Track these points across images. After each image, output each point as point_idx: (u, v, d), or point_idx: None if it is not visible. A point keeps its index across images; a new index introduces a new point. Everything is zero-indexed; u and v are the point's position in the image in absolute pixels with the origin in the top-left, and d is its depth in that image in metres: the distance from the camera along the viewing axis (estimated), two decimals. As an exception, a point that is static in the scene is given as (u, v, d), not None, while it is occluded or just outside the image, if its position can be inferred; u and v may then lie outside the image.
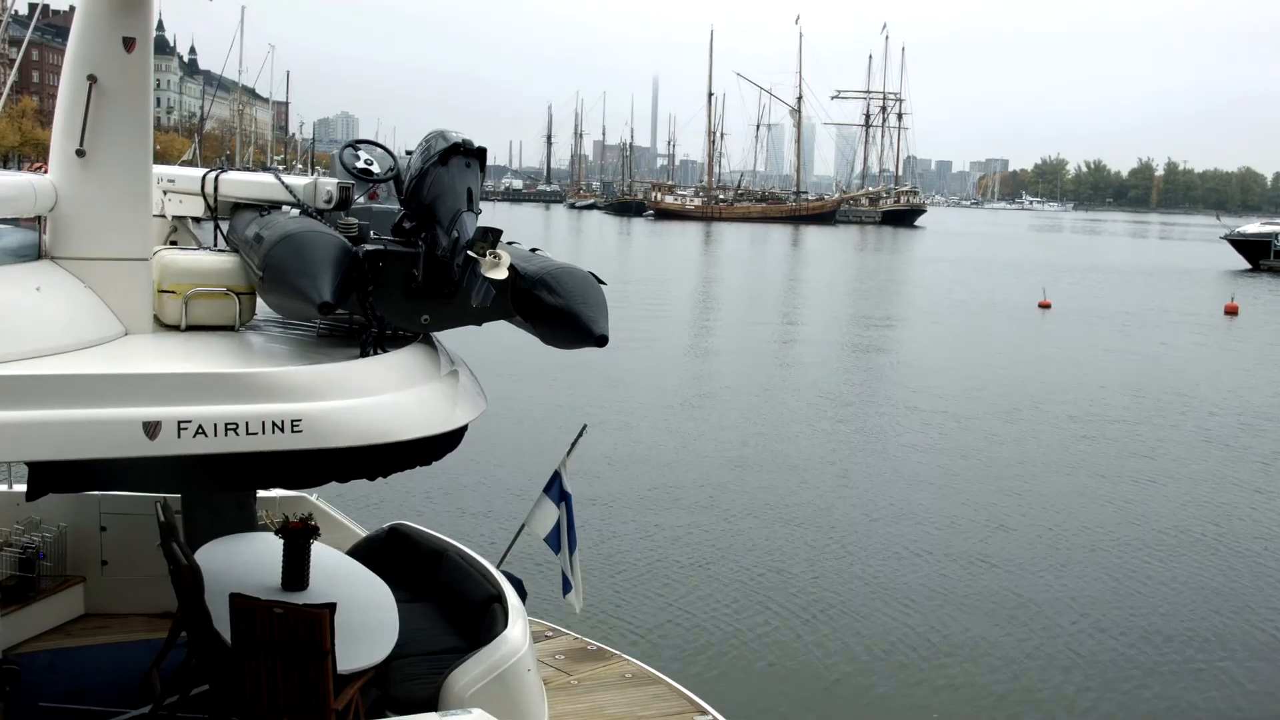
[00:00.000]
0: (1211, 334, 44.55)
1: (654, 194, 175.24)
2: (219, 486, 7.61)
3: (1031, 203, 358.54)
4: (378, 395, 5.23)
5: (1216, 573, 15.70)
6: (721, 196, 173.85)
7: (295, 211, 6.05)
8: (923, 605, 14.01)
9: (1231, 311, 51.23)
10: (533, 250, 6.08)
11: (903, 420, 25.14)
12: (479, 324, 5.75)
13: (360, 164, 6.47)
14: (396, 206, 5.98)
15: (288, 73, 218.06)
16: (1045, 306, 50.48)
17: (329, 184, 6.13)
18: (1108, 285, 66.82)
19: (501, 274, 5.20)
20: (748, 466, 20.33)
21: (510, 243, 5.90)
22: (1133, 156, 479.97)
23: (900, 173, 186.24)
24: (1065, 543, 16.75)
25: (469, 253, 5.23)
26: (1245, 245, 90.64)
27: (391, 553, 8.26)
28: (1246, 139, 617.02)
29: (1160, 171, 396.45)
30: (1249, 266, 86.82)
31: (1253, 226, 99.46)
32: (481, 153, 5.62)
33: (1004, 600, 14.34)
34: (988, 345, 38.55)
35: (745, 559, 15.34)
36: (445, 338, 6.29)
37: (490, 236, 5.24)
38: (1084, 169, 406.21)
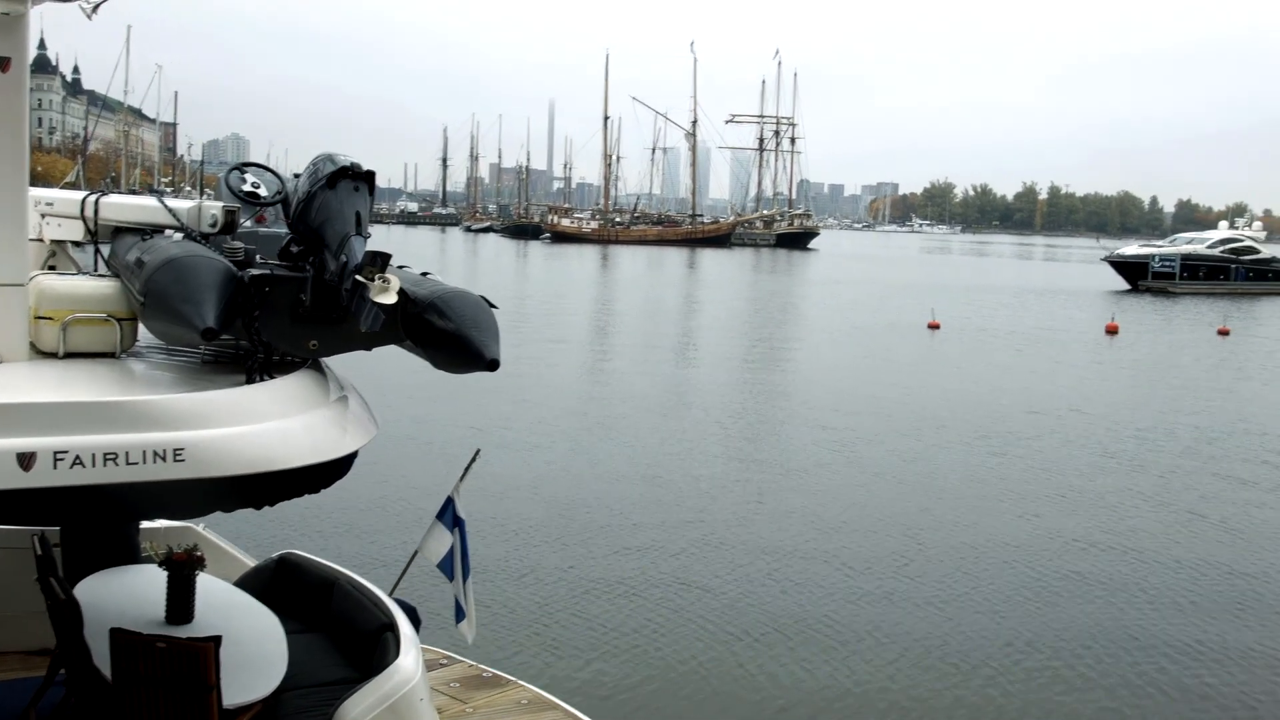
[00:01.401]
0: (1095, 352, 45.91)
1: (550, 217, 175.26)
2: (99, 518, 7.39)
3: (921, 225, 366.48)
4: (264, 422, 5.14)
5: (1126, 582, 16.19)
6: (618, 219, 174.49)
7: (179, 236, 5.93)
8: (838, 623, 14.14)
9: (1112, 331, 52.86)
10: (423, 274, 6.04)
11: (808, 439, 25.43)
12: (369, 349, 5.69)
13: (247, 187, 6.37)
14: (284, 230, 5.89)
15: (175, 93, 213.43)
16: (934, 327, 51.55)
17: (213, 208, 6.02)
18: (996, 305, 68.49)
19: (390, 298, 5.15)
20: (648, 488, 20.37)
21: (401, 266, 5.85)
22: (1017, 180, 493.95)
23: (794, 196, 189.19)
24: (977, 556, 17.10)
25: (357, 277, 5.18)
26: (1124, 267, 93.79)
27: (281, 583, 8.09)
28: (1125, 164, 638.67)
29: (1044, 195, 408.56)
30: (1128, 287, 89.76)
31: (1131, 248, 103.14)
32: (370, 176, 5.57)
33: (922, 613, 14.57)
34: (886, 365, 39.21)
35: (645, 582, 15.33)
36: (335, 363, 6.20)
37: (379, 261, 5.20)
38: (971, 192, 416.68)
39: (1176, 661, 13.35)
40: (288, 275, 5.42)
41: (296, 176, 5.93)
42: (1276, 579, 16.59)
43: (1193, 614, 14.97)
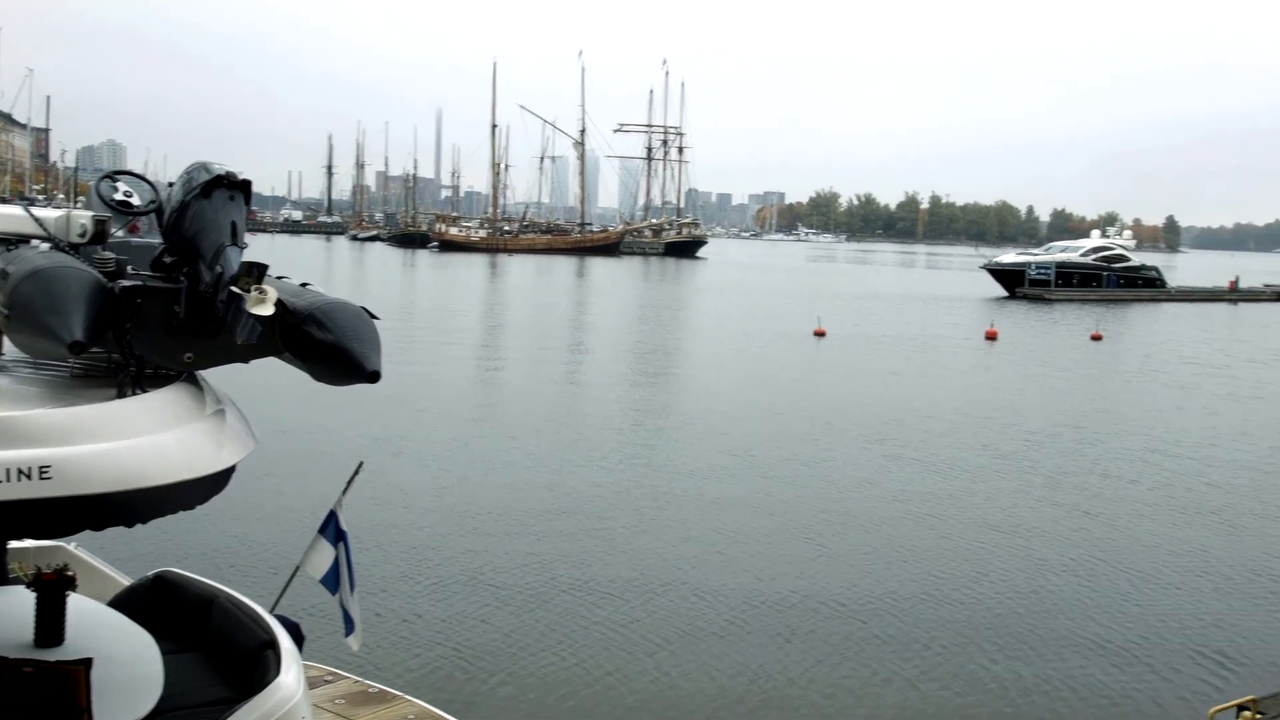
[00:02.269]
0: (977, 358, 47.08)
1: (438, 225, 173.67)
2: (-38, 539, 7.11)
3: (807, 234, 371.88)
4: (136, 438, 4.99)
5: (1021, 579, 16.66)
6: (507, 228, 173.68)
7: (46, 246, 5.73)
8: (742, 627, 14.28)
9: (992, 336, 54.26)
10: (303, 285, 5.92)
11: (706, 445, 25.64)
12: (246, 361, 5.56)
13: (119, 196, 6.18)
14: (157, 240, 5.73)
15: (48, 98, 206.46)
16: (820, 334, 52.30)
17: (83, 217, 5.83)
18: (880, 313, 69.81)
19: (267, 310, 5.05)
20: (544, 497, 20.29)
21: (279, 277, 5.74)
22: (900, 190, 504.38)
23: (682, 205, 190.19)
24: (877, 557, 17.43)
25: (233, 288, 5.07)
26: (1002, 274, 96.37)
27: (157, 602, 7.86)
28: (1003, 173, 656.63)
29: (925, 205, 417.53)
30: (1006, 294, 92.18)
31: (1009, 256, 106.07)
32: (246, 185, 5.45)
33: (824, 614, 14.78)
34: (778, 371, 39.72)
35: (538, 593, 15.27)
36: (212, 376, 6.06)
37: (255, 271, 5.09)
38: (855, 202, 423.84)
39: (1069, 657, 13.75)
40: (161, 286, 5.27)
41: (171, 185, 5.78)
42: (1161, 573, 17.19)
43: (1084, 609, 15.42)
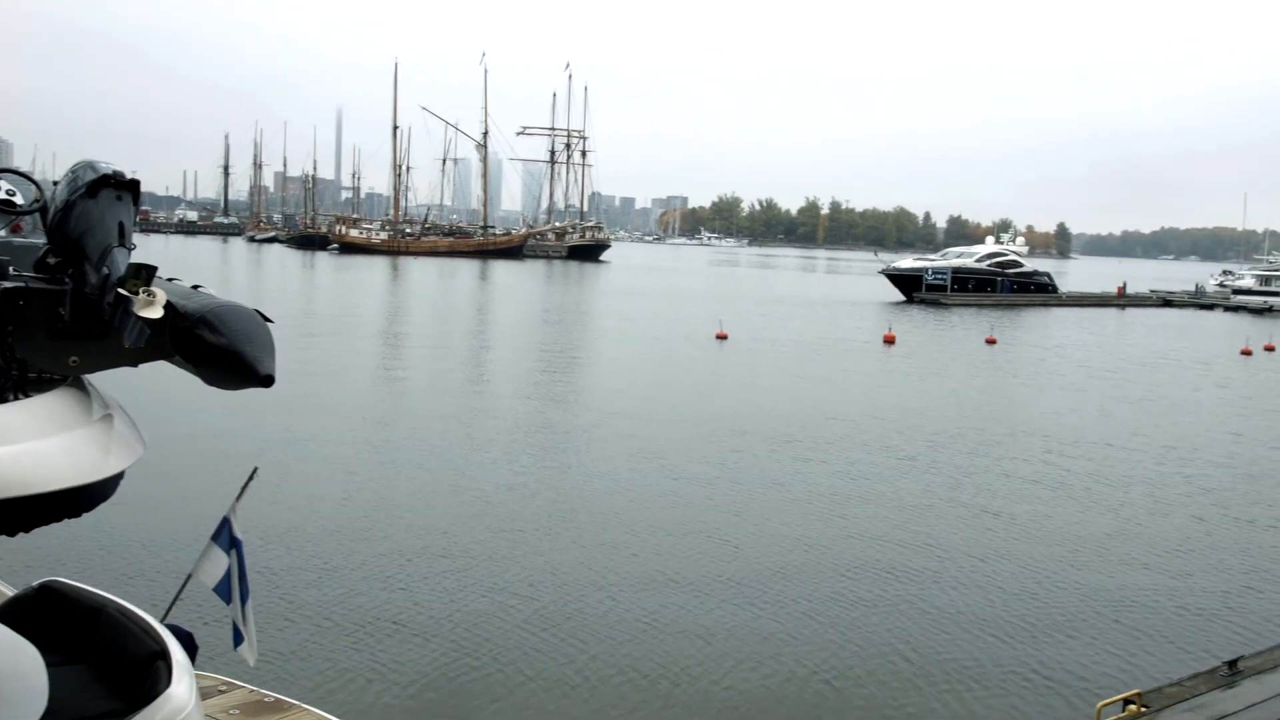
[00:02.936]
0: (877, 361, 47.83)
1: (338, 227, 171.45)
2: None
3: (710, 238, 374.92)
4: (17, 444, 4.84)
5: (928, 577, 16.90)
6: (408, 230, 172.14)
7: (-80, 247, 5.53)
8: (652, 629, 14.26)
9: (890, 341, 55.18)
10: (194, 287, 5.80)
11: (614, 447, 25.63)
12: (135, 365, 5.43)
13: (1, 195, 6.00)
14: (41, 240, 5.58)
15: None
16: (722, 338, 52.68)
17: (-39, 216, 5.64)
18: (781, 316, 70.57)
19: (156, 313, 4.94)
20: (445, 501, 20.11)
21: (170, 279, 5.61)
22: (801, 195, 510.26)
23: (585, 208, 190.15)
24: (789, 557, 17.54)
25: (120, 290, 4.95)
26: (900, 279, 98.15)
27: (43, 613, 7.62)
28: (901, 180, 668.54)
29: (825, 210, 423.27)
30: (904, 298, 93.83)
31: (906, 262, 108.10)
32: (134, 185, 5.32)
33: (736, 615, 14.80)
34: (685, 374, 39.89)
35: (443, 598, 15.10)
36: (99, 380, 5.91)
37: (143, 273, 4.98)
38: (757, 207, 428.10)
39: (965, 653, 13.99)
40: (45, 288, 5.13)
41: (56, 184, 5.62)
42: (1059, 571, 17.59)
43: (983, 607, 15.71)
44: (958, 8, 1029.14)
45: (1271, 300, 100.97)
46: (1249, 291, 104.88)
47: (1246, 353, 57.85)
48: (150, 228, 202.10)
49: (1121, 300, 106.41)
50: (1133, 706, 11.04)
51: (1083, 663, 13.93)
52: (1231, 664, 12.15)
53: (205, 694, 7.10)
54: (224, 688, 8.28)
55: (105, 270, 5.02)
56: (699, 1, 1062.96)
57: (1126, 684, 12.64)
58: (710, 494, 21.49)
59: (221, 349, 5.30)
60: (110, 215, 5.20)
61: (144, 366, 6.03)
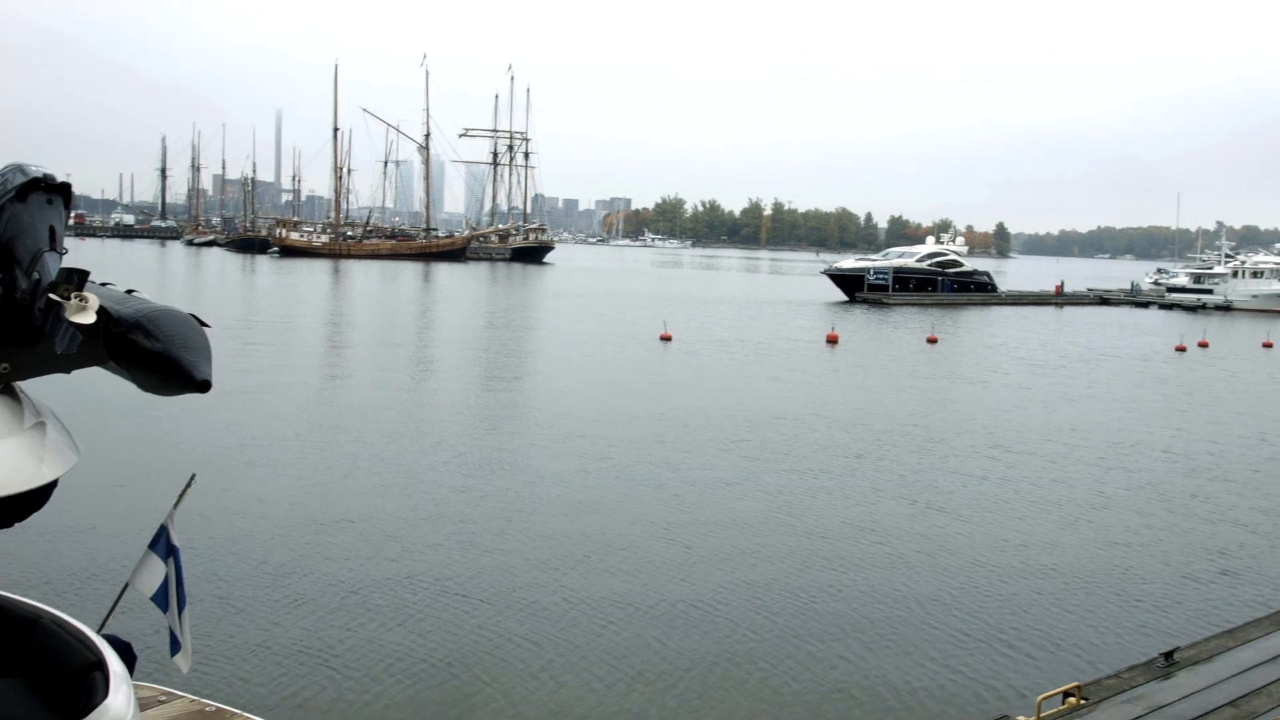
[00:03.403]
0: (821, 361, 48.12)
1: (279, 230, 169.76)
2: None
3: (654, 240, 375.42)
4: (-53, 453, 4.73)
5: (876, 573, 17.01)
6: (350, 233, 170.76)
7: None
8: (606, 631, 14.24)
9: (833, 340, 55.56)
10: (129, 291, 5.69)
11: (563, 448, 25.60)
12: (68, 371, 5.31)
13: (-72, 199, 5.86)
14: (-29, 246, 5.45)
15: None
16: (666, 339, 52.77)
17: (-112, 221, 5.50)
18: (725, 317, 70.82)
19: (88, 318, 4.84)
20: (393, 504, 19.93)
21: (103, 284, 5.51)
22: (744, 196, 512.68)
23: (529, 210, 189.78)
24: (742, 556, 17.59)
25: (51, 295, 4.85)
26: (842, 279, 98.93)
27: (-25, 625, 7.48)
28: (843, 181, 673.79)
29: (768, 211, 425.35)
30: (846, 298, 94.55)
31: (848, 262, 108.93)
32: (65, 188, 5.21)
33: (692, 614, 14.85)
34: (631, 375, 39.89)
35: (376, 605, 14.98)
36: (31, 387, 5.79)
37: (75, 278, 4.87)
38: (700, 208, 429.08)
39: (912, 646, 14.13)
40: (-27, 294, 5.02)
41: (-15, 188, 5.49)
42: (1004, 565, 17.81)
43: (930, 601, 15.86)
44: (895, 13, 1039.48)
45: (1205, 297, 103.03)
46: (1183, 289, 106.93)
47: (1181, 349, 58.90)
48: (86, 231, 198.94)
49: (1060, 299, 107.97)
50: (1072, 699, 11.19)
51: (1024, 656, 14.11)
52: (1168, 655, 12.35)
53: (145, 705, 6.99)
54: (164, 698, 8.16)
55: (36, 275, 4.92)
56: (641, 3, 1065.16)
57: (1066, 676, 12.81)
58: (659, 494, 21.53)
59: (156, 354, 5.22)
60: (40, 219, 5.10)
61: (78, 373, 5.96)
